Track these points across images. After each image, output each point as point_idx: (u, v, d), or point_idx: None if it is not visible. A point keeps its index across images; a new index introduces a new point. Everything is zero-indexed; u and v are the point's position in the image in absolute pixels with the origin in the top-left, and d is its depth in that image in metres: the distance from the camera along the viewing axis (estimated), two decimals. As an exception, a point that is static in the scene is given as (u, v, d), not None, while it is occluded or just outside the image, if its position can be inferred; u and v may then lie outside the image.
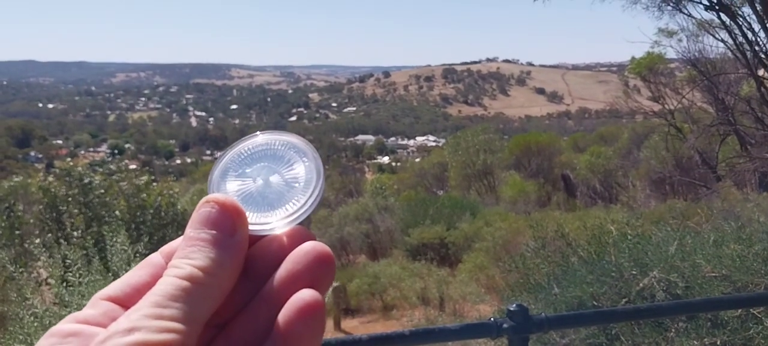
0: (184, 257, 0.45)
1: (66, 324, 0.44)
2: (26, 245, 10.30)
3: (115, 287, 0.47)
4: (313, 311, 0.44)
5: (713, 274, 5.24)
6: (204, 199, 0.48)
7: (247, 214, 0.48)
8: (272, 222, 0.49)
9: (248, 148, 0.52)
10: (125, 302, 0.46)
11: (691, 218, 8.09)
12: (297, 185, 0.51)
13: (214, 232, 0.46)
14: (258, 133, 0.53)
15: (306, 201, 0.50)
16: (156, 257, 0.49)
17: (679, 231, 5.92)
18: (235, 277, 0.46)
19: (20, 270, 7.10)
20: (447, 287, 10.47)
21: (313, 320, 0.44)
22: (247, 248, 0.48)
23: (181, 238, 0.48)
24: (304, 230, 0.49)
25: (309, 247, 0.47)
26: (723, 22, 11.41)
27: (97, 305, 0.46)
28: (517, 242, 10.63)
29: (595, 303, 5.43)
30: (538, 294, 5.72)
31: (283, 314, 0.44)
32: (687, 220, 7.83)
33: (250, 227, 0.48)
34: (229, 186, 0.50)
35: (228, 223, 0.46)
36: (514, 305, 2.71)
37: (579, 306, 5.39)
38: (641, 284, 5.38)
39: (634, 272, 5.43)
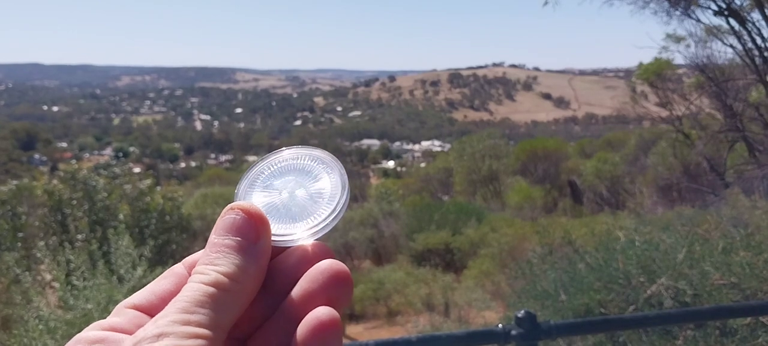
0: (210, 263, 0.46)
1: (92, 331, 0.44)
2: (31, 249, 10.32)
3: (140, 296, 0.48)
4: (329, 329, 0.44)
5: (722, 282, 5.19)
6: (228, 206, 0.48)
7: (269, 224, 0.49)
8: (294, 234, 0.49)
9: (276, 161, 0.53)
10: (150, 310, 0.46)
11: (699, 225, 8.02)
12: (321, 199, 0.51)
13: (238, 238, 0.47)
14: (284, 148, 0.53)
15: (328, 215, 0.50)
16: (179, 268, 0.50)
17: (688, 238, 5.87)
18: (259, 284, 0.47)
19: (24, 273, 7.10)
20: (452, 293, 10.43)
21: (330, 338, 0.44)
22: (269, 256, 0.48)
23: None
24: (323, 246, 0.50)
25: (326, 265, 0.47)
26: (732, 28, 11.37)
27: (122, 313, 0.47)
28: (523, 248, 10.58)
29: (602, 310, 5.39)
30: (544, 301, 5.68)
31: (300, 332, 0.44)
32: (695, 227, 7.77)
33: (272, 238, 0.49)
34: (255, 198, 0.51)
35: (252, 230, 0.47)
36: (522, 312, 2.68)
37: (586, 313, 5.34)
38: (649, 292, 5.33)
39: (641, 279, 5.38)
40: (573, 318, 5.31)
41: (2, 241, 10.80)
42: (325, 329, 0.44)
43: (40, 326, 5.15)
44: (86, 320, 5.13)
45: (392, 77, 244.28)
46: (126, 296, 4.81)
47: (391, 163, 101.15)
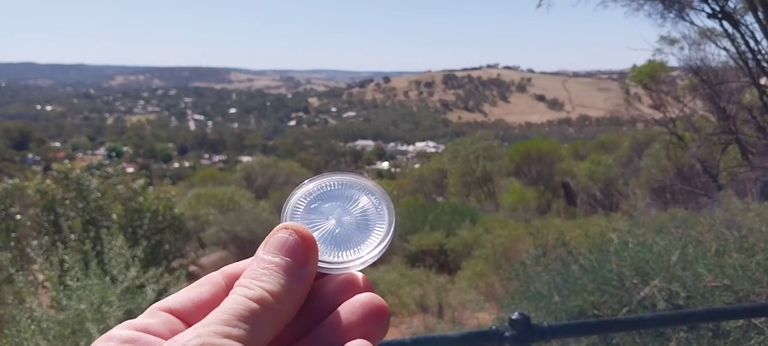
0: (256, 278, 0.45)
1: (124, 330, 0.44)
2: (23, 248, 10.27)
3: (176, 300, 0.48)
4: None
5: (715, 283, 5.21)
6: (282, 224, 0.48)
7: None
8: (340, 264, 0.49)
9: (322, 186, 0.52)
10: (185, 316, 0.47)
11: (693, 227, 8.04)
12: (367, 229, 0.51)
13: (288, 259, 0.47)
14: (324, 173, 0.53)
15: (375, 247, 0.51)
16: (216, 276, 0.50)
17: (681, 240, 5.89)
18: (299, 307, 0.47)
19: (17, 272, 7.06)
20: (446, 294, 10.43)
21: None
22: (313, 281, 0.49)
23: (249, 260, 0.49)
24: (365, 279, 0.50)
25: (367, 298, 0.48)
26: (725, 31, 11.44)
27: (156, 315, 0.46)
28: (517, 250, 10.61)
29: (596, 312, 5.40)
30: (538, 302, 5.69)
31: None
32: (689, 229, 7.80)
33: (318, 264, 0.49)
34: (302, 219, 0.51)
35: (302, 252, 0.47)
36: (516, 314, 2.69)
37: (580, 315, 5.35)
38: (642, 293, 5.35)
39: (635, 281, 5.40)
40: (566, 320, 5.33)
41: (-6, 241, 10.75)
42: None
43: (33, 327, 5.12)
44: (79, 320, 5.11)
45: (387, 78, 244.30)
46: (119, 296, 4.77)
47: (385, 165, 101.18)
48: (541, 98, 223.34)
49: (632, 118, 18.19)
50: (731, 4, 11.20)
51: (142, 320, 0.46)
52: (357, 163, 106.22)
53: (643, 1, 11.38)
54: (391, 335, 10.17)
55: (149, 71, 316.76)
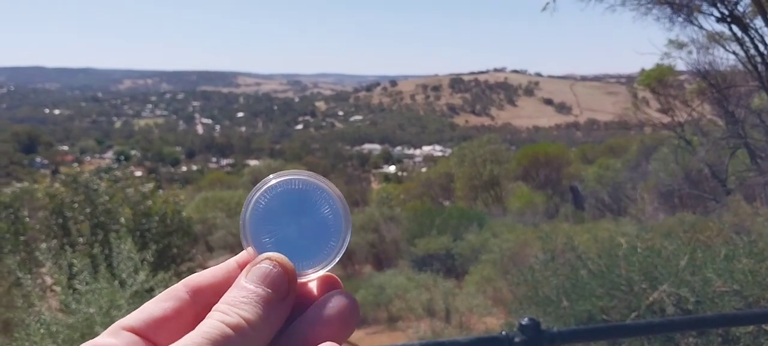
0: (235, 306, 0.46)
1: None
2: (32, 252, 10.32)
3: (139, 317, 0.47)
4: None
5: (725, 289, 5.17)
6: (266, 255, 0.48)
7: None
8: (308, 273, 0.50)
9: (274, 189, 0.52)
10: (149, 335, 0.46)
11: (701, 232, 7.99)
12: (327, 230, 0.51)
13: (269, 290, 0.47)
14: (271, 176, 0.52)
15: (339, 246, 0.51)
16: (180, 290, 0.49)
17: (690, 245, 5.86)
18: (272, 336, 0.47)
19: (26, 276, 7.10)
20: (453, 298, 10.41)
21: None
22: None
23: (212, 269, 0.50)
24: (332, 277, 0.51)
25: (340, 296, 0.49)
26: (734, 35, 11.37)
27: (119, 334, 0.46)
28: (524, 254, 10.57)
29: (604, 317, 5.38)
30: (547, 307, 5.67)
31: None
32: (697, 233, 7.76)
33: None
34: (265, 230, 0.51)
35: (284, 285, 0.48)
36: (526, 319, 2.68)
37: (588, 320, 5.33)
38: (651, 298, 5.32)
39: (644, 286, 5.37)
40: (575, 325, 5.31)
41: (4, 244, 10.81)
42: None
43: (42, 330, 5.14)
44: (88, 324, 5.13)
45: (394, 82, 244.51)
46: (128, 300, 4.79)
47: (392, 168, 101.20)
48: (548, 102, 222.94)
49: (640, 122, 18.12)
50: (740, 8, 11.15)
51: (104, 339, 0.45)
52: (364, 166, 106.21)
53: (651, 5, 11.34)
54: (399, 339, 10.17)
55: (157, 75, 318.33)
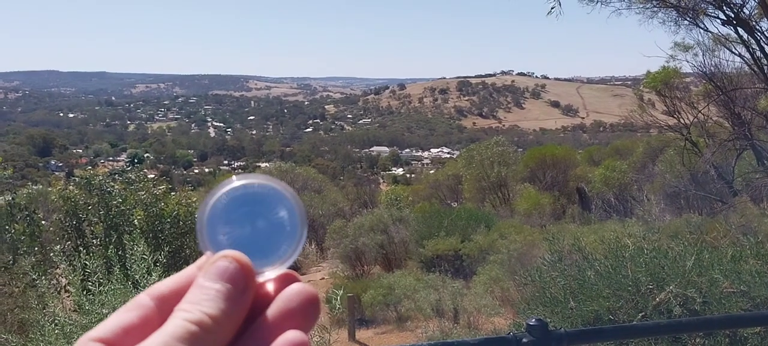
0: (196, 303, 0.48)
1: None
2: (47, 253, 10.44)
3: (107, 328, 0.48)
4: None
5: (732, 289, 5.21)
6: (222, 253, 0.50)
7: None
8: (265, 271, 0.51)
9: (232, 192, 0.53)
10: (117, 343, 0.47)
11: (708, 233, 8.01)
12: (283, 229, 0.53)
13: (228, 285, 0.49)
14: (234, 177, 0.53)
15: (294, 246, 0.52)
16: (144, 299, 0.50)
17: (697, 246, 5.89)
18: (235, 330, 0.49)
19: (41, 277, 7.20)
20: (462, 299, 10.44)
21: None
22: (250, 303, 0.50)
23: (175, 277, 0.51)
24: (290, 273, 0.52)
25: (299, 288, 0.50)
26: (740, 37, 11.36)
27: (90, 345, 0.47)
28: (532, 255, 10.59)
29: (611, 317, 5.42)
30: (554, 308, 5.70)
31: None
32: (704, 235, 7.78)
33: None
34: (220, 231, 0.52)
35: (242, 279, 0.49)
36: (534, 320, 2.72)
37: (595, 320, 5.37)
38: (658, 299, 5.36)
39: (650, 287, 5.41)
40: (582, 325, 5.35)
41: (19, 245, 10.92)
42: None
43: (56, 331, 5.22)
44: (103, 324, 5.19)
45: (402, 85, 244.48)
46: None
47: (400, 170, 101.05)
48: (555, 104, 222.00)
49: (646, 124, 18.06)
50: (746, 11, 11.14)
51: None
52: (373, 169, 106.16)
53: (657, 9, 11.33)
54: (408, 339, 10.22)
55: (170, 79, 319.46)
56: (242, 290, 0.49)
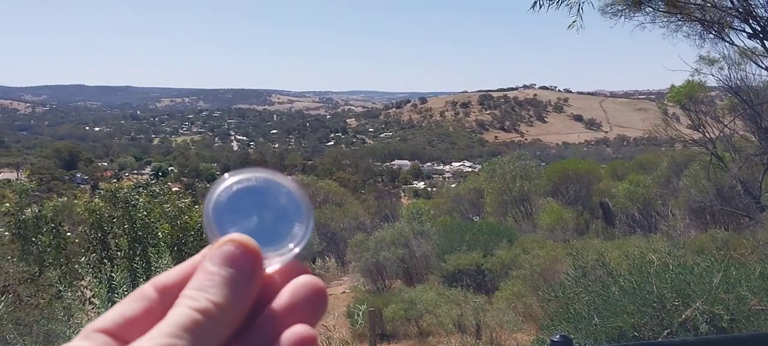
0: (202, 289, 0.46)
1: None
2: (73, 265, 10.59)
3: (110, 319, 0.47)
4: (308, 344, 0.46)
5: (760, 307, 5.12)
6: (227, 238, 0.49)
7: None
8: (272, 259, 0.50)
9: (233, 186, 0.52)
10: (121, 335, 0.46)
11: (735, 249, 7.89)
12: (289, 219, 0.52)
13: (234, 271, 0.47)
14: (227, 175, 0.53)
15: (302, 234, 0.52)
16: (148, 290, 0.49)
17: (723, 262, 5.80)
18: (243, 318, 0.47)
19: (67, 289, 7.29)
20: (484, 314, 10.38)
21: None
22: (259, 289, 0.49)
23: (180, 267, 0.50)
24: (297, 263, 0.51)
25: (307, 279, 0.49)
26: (767, 50, 11.20)
27: (91, 337, 0.46)
28: (555, 270, 10.51)
29: (636, 334, 5.35)
30: (578, 324, 5.65)
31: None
32: (731, 251, 7.66)
33: None
34: (228, 222, 0.51)
35: (249, 264, 0.48)
36: (558, 336, 2.71)
37: (620, 337, 5.31)
38: (684, 316, 5.28)
39: (676, 303, 5.34)
40: (607, 342, 5.29)
41: (45, 257, 11.08)
42: (305, 344, 0.46)
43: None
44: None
45: (423, 99, 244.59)
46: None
47: (421, 184, 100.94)
48: (578, 118, 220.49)
49: (670, 138, 17.86)
50: (773, 23, 10.99)
51: (78, 343, 0.46)
52: (394, 182, 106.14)
53: (681, 22, 11.22)
54: (429, 354, 10.19)
55: (194, 93, 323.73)
56: (249, 276, 0.48)
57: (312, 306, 0.48)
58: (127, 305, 0.48)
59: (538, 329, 8.15)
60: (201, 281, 0.47)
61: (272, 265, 0.50)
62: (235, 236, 0.49)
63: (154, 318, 0.46)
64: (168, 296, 0.48)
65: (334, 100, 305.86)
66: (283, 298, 0.48)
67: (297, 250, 0.51)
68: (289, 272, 0.50)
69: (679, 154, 21.58)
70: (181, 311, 0.45)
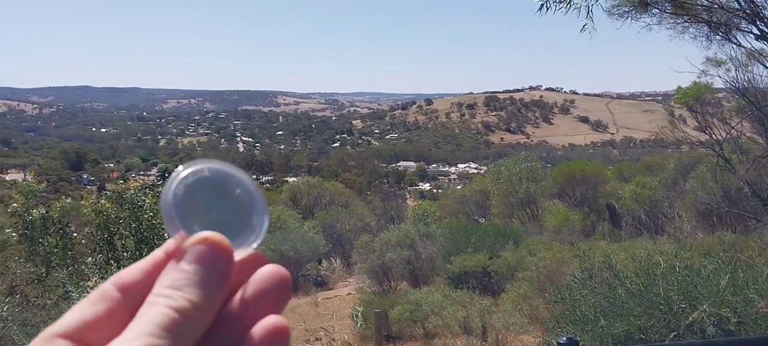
0: (177, 288, 0.46)
1: None
2: (80, 265, 10.64)
3: (70, 322, 0.46)
4: (282, 333, 0.47)
5: None
6: (202, 236, 0.48)
7: None
8: (238, 249, 0.50)
9: (188, 178, 0.52)
10: (82, 338, 0.45)
11: (742, 251, 7.86)
12: (246, 209, 0.52)
13: (209, 270, 0.47)
14: (180, 166, 0.52)
15: (261, 225, 0.52)
16: (110, 290, 0.48)
17: (731, 264, 5.78)
18: (216, 314, 0.48)
19: (74, 289, 7.34)
20: (490, 316, 10.37)
21: (282, 342, 0.47)
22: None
23: (139, 265, 0.49)
24: (258, 254, 0.51)
25: (271, 269, 0.50)
26: (774, 52, 11.16)
27: (52, 342, 0.45)
28: (561, 272, 10.49)
29: (642, 336, 5.33)
30: (584, 326, 5.64)
31: (255, 339, 0.47)
32: (738, 253, 7.63)
33: None
34: (189, 216, 0.51)
35: (223, 263, 0.48)
36: (564, 338, 2.71)
37: (626, 339, 5.30)
38: (691, 318, 5.26)
39: (683, 306, 5.32)
40: (613, 344, 5.28)
41: (52, 258, 11.13)
42: (278, 334, 0.47)
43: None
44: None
45: (429, 100, 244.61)
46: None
47: (427, 186, 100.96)
48: (584, 120, 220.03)
49: (677, 140, 17.80)
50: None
51: None
52: (399, 184, 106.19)
53: (688, 24, 11.18)
54: (436, 356, 10.18)
55: (200, 95, 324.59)
56: (224, 275, 0.48)
57: (278, 294, 0.49)
58: (89, 307, 0.47)
59: (545, 332, 8.14)
60: (176, 280, 0.46)
61: (237, 255, 0.50)
62: (207, 234, 0.49)
63: (118, 320, 0.46)
64: (131, 296, 0.47)
65: (340, 101, 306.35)
66: (249, 289, 0.49)
67: (257, 242, 0.51)
68: (251, 264, 0.50)
69: (686, 156, 21.54)
70: (160, 310, 0.44)
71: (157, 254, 0.50)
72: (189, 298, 0.45)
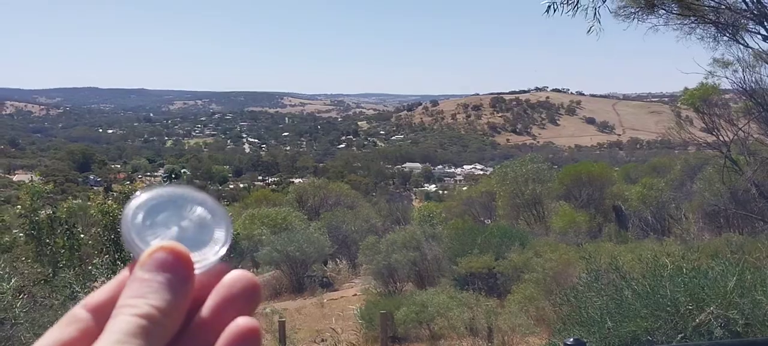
0: (141, 297, 0.46)
1: None
2: (87, 266, 10.68)
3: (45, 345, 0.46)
4: (252, 334, 0.48)
5: (775, 312, 5.07)
6: (158, 246, 0.49)
7: None
8: (201, 261, 0.51)
9: (148, 201, 0.52)
10: None
11: (750, 253, 7.82)
12: (208, 228, 0.53)
13: (169, 275, 0.48)
14: (138, 192, 0.53)
15: (223, 238, 0.53)
16: (80, 313, 0.48)
17: (738, 266, 5.76)
18: (182, 320, 0.48)
19: (81, 289, 7.37)
20: (496, 317, 10.36)
21: (253, 342, 0.48)
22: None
23: (108, 286, 0.50)
24: (224, 265, 0.52)
25: (238, 273, 0.51)
26: (782, 53, 11.10)
27: None
28: (568, 274, 10.47)
29: (649, 338, 5.32)
30: (590, 328, 5.63)
31: (226, 341, 0.47)
32: (746, 254, 7.60)
33: None
34: (151, 235, 0.51)
35: (182, 269, 0.49)
36: (571, 340, 2.71)
37: (633, 341, 5.28)
38: (698, 320, 5.24)
39: (690, 307, 5.30)
40: (619, 346, 5.27)
41: (59, 258, 11.18)
42: (250, 335, 0.47)
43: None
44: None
45: (435, 102, 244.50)
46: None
47: (433, 187, 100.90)
48: (590, 121, 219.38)
49: (684, 141, 17.72)
50: (789, 26, 10.87)
51: None
52: (405, 185, 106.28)
53: (695, 25, 11.13)
54: (441, 357, 10.17)
55: (207, 96, 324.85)
56: (184, 279, 0.48)
57: (247, 298, 0.49)
58: (61, 330, 0.47)
59: (551, 333, 8.13)
60: (138, 289, 0.47)
61: (200, 269, 0.51)
62: (165, 243, 0.49)
63: (90, 340, 0.46)
64: (101, 316, 0.48)
65: (346, 102, 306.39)
66: (218, 293, 0.49)
67: (222, 252, 0.52)
68: (218, 274, 0.51)
69: (693, 157, 21.48)
70: (125, 319, 0.45)
71: (123, 274, 0.50)
72: (153, 303, 0.46)
